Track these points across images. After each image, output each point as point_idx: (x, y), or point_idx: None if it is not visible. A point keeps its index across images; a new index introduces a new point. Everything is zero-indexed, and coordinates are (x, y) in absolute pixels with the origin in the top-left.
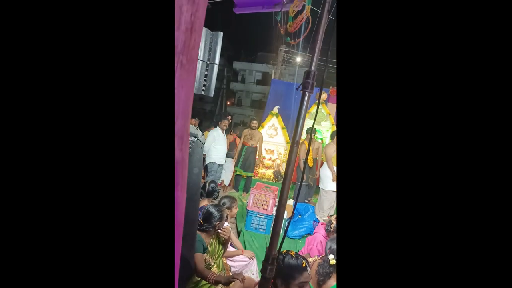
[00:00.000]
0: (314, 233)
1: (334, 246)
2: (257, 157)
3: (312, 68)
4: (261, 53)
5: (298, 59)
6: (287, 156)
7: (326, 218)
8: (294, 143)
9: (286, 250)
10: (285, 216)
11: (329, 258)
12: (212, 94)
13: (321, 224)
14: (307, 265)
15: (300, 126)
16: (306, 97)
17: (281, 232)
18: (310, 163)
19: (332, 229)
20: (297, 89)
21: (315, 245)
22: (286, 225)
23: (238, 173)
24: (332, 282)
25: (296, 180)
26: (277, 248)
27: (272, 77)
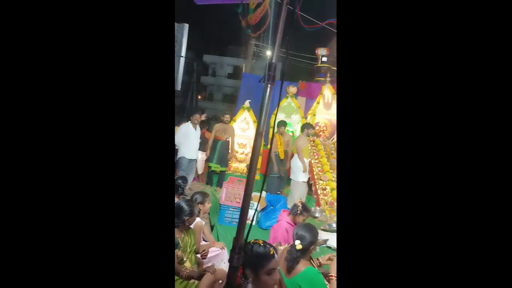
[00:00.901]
0: (278, 220)
1: (301, 232)
2: (229, 151)
3: (273, 61)
4: (232, 46)
5: (268, 52)
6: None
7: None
8: (258, 135)
9: (254, 240)
10: (258, 208)
11: (296, 244)
12: (179, 88)
13: (284, 211)
14: (274, 253)
15: (263, 118)
16: (268, 89)
17: (248, 222)
18: (281, 155)
19: (298, 212)
20: (259, 81)
21: (280, 232)
22: (258, 216)
23: (213, 168)
24: (301, 267)
25: (268, 173)
26: (244, 238)
27: (243, 71)
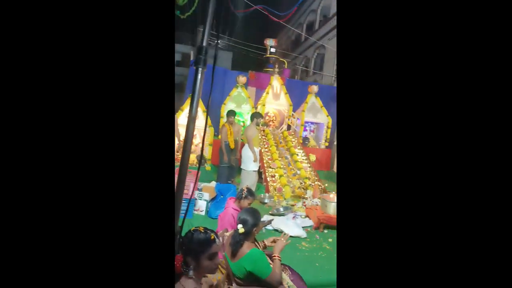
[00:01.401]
0: (225, 208)
1: (243, 216)
2: (177, 142)
3: (204, 44)
4: (179, 33)
5: (218, 41)
6: (209, 138)
7: None
8: (190, 120)
9: (195, 227)
10: (207, 197)
11: (238, 228)
12: None
13: (230, 198)
14: (215, 237)
15: (195, 103)
16: (200, 73)
17: (182, 209)
18: (232, 144)
19: (243, 196)
20: (190, 65)
21: (227, 219)
22: (209, 206)
23: None
24: (245, 249)
25: (219, 163)
26: (180, 224)
27: (191, 59)
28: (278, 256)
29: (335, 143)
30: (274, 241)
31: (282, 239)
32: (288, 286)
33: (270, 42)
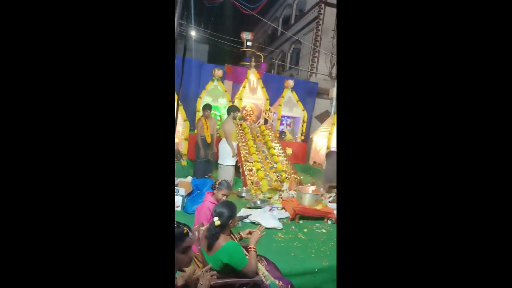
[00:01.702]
0: (203, 201)
1: (219, 209)
2: None
3: (176, 35)
4: None
5: (193, 33)
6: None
7: None
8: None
9: None
10: (183, 193)
11: (214, 220)
12: None
13: (208, 192)
14: (188, 231)
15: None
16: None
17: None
18: (208, 139)
19: (217, 185)
20: None
21: (203, 211)
22: (185, 201)
23: None
24: (221, 242)
25: (195, 157)
26: None
27: None
28: (253, 248)
29: (311, 136)
30: (250, 233)
31: (257, 231)
32: (264, 276)
33: (246, 35)
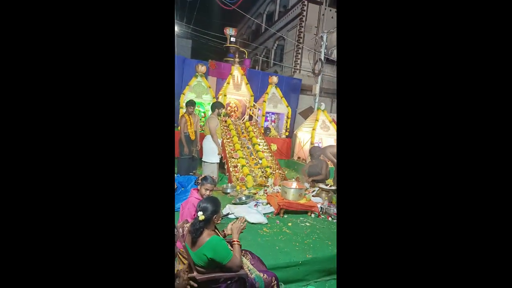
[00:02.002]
0: (189, 197)
1: (204, 204)
2: None
3: None
4: None
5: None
6: None
7: None
8: None
9: None
10: None
11: (198, 215)
12: None
13: (194, 189)
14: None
15: None
16: None
17: None
18: (192, 135)
19: (199, 181)
20: None
21: (187, 207)
22: None
23: None
24: (205, 237)
25: (179, 155)
26: None
27: None
28: (237, 241)
29: (295, 132)
30: (231, 229)
31: (238, 222)
32: (249, 270)
33: (230, 31)
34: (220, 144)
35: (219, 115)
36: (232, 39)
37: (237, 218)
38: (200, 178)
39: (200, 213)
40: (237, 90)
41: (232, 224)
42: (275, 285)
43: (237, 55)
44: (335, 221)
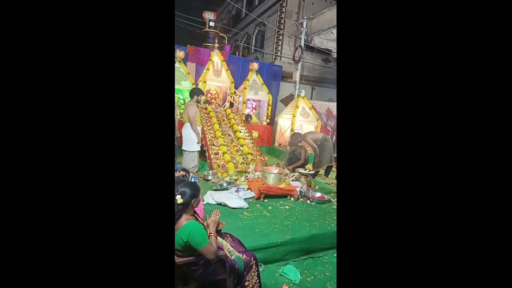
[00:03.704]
0: None
1: (182, 188)
2: None
3: None
4: None
5: None
6: None
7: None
8: None
9: None
10: None
11: (177, 199)
12: None
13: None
14: None
15: None
16: None
17: None
18: None
19: (179, 169)
20: None
21: None
22: None
23: None
24: (183, 221)
25: None
26: None
27: None
28: (213, 233)
29: (276, 119)
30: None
31: (212, 216)
32: (229, 252)
33: (209, 15)
34: (200, 131)
35: (198, 102)
36: (211, 23)
37: (218, 204)
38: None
39: (178, 196)
40: (217, 77)
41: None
42: (254, 264)
43: (216, 41)
44: (313, 203)
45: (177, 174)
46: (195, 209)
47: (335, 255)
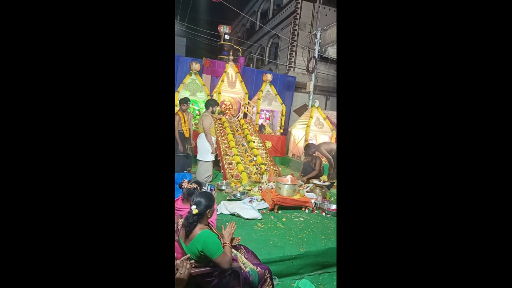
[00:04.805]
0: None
1: (198, 199)
2: None
3: None
4: None
5: None
6: None
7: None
8: None
9: None
10: None
11: (192, 209)
12: None
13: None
14: None
15: None
16: None
17: None
18: (186, 133)
19: (192, 181)
20: None
21: (178, 203)
22: None
23: None
24: (197, 231)
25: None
26: None
27: None
28: (227, 243)
29: (290, 129)
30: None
31: (228, 227)
32: (243, 264)
33: (224, 28)
34: (215, 142)
35: (213, 112)
36: (226, 36)
37: (232, 215)
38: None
39: (193, 206)
40: (231, 88)
41: (223, 230)
42: (269, 277)
43: (231, 53)
44: (328, 216)
45: (189, 185)
46: (210, 220)
47: None
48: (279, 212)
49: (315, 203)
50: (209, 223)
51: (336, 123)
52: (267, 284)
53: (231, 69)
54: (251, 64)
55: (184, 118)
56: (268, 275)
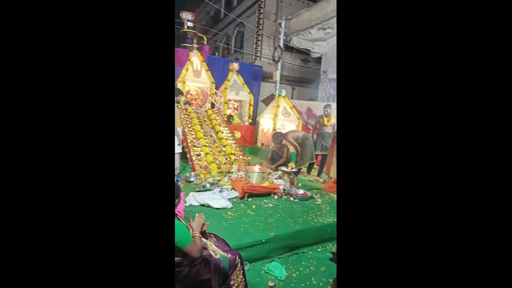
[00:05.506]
0: None
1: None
2: None
3: None
4: None
5: None
6: None
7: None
8: None
9: None
10: None
11: None
12: None
13: None
14: None
15: None
16: None
17: None
18: None
19: None
20: None
21: None
22: None
23: None
24: None
25: None
26: None
27: None
28: (197, 234)
29: (258, 119)
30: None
31: (197, 218)
32: (213, 251)
33: (186, 15)
34: (181, 133)
35: (177, 102)
36: (190, 24)
37: (202, 205)
38: None
39: None
40: (197, 77)
41: (191, 221)
42: (239, 262)
43: (195, 41)
44: (296, 200)
45: None
46: (177, 210)
47: (319, 250)
48: (249, 200)
49: (284, 189)
50: (176, 213)
51: (301, 111)
52: (237, 269)
53: (195, 58)
54: (216, 53)
55: None
56: (239, 260)
